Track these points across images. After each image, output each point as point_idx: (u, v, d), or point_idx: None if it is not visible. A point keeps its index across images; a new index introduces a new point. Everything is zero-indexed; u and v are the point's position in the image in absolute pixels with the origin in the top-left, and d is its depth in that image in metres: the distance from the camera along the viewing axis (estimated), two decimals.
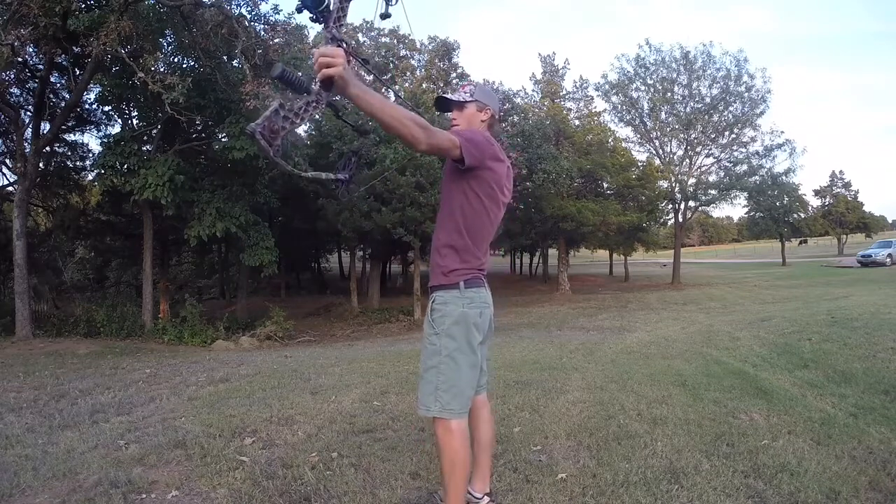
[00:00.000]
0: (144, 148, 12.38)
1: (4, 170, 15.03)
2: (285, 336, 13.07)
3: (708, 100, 22.40)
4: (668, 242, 31.76)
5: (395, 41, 20.90)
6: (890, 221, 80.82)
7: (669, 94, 22.47)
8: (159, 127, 12.48)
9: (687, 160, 23.44)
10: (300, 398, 3.94)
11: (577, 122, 23.49)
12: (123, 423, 3.41)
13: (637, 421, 3.10)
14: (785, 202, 28.61)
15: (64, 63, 12.41)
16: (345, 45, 1.48)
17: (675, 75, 22.55)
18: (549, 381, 4.29)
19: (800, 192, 31.62)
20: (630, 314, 12.62)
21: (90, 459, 2.66)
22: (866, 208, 46.26)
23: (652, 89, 22.89)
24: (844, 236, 45.00)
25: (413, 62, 21.43)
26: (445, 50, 21.05)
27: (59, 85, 13.64)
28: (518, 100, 21.66)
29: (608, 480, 2.27)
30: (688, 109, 22.47)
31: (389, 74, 19.84)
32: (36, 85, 12.60)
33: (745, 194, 24.19)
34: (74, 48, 10.81)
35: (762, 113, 22.26)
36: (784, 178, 23.85)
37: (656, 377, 4.32)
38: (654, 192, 23.06)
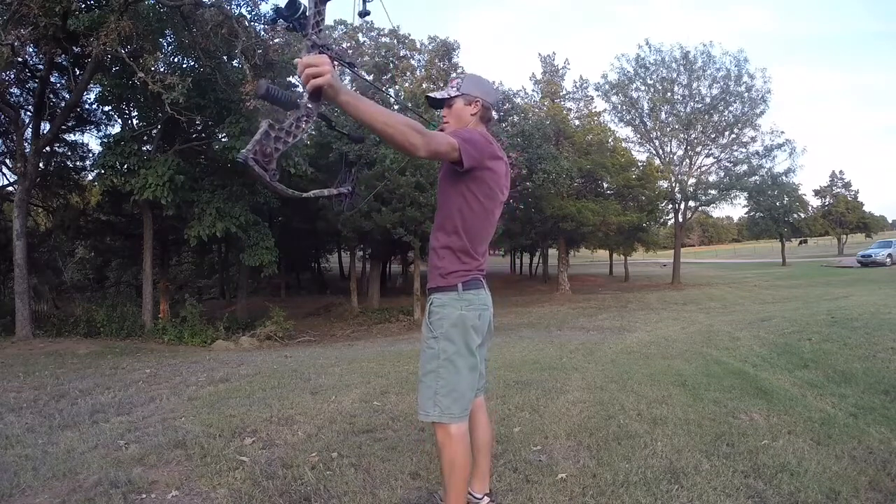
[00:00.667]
0: (144, 148, 12.38)
1: (4, 170, 15.04)
2: (285, 336, 13.07)
3: (708, 100, 22.40)
4: (668, 242, 31.75)
5: (395, 41, 20.91)
6: (890, 221, 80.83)
7: (669, 94, 22.47)
8: (159, 127, 12.48)
9: (687, 160, 23.45)
10: (300, 398, 3.94)
11: (577, 122, 23.49)
12: (123, 423, 3.41)
13: (637, 421, 3.10)
14: (785, 202, 28.62)
15: (64, 63, 12.40)
16: (328, 49, 1.44)
17: (675, 75, 22.56)
18: (549, 381, 4.29)
19: (800, 192, 31.65)
20: (630, 314, 12.62)
21: (90, 459, 2.66)
22: (866, 208, 46.32)
23: (652, 89, 22.89)
24: (844, 236, 45.00)
25: (413, 62, 21.42)
26: (445, 50, 21.04)
27: (59, 85, 13.64)
28: (518, 100, 21.66)
29: (608, 480, 2.27)
30: (688, 109, 22.47)
31: (389, 74, 19.83)
32: (36, 85, 12.59)
33: (745, 194, 24.19)
34: (74, 48, 10.80)
35: (762, 113, 22.31)
36: (784, 178, 23.89)
37: (656, 377, 4.32)
38: (654, 192, 23.06)
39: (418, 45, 21.44)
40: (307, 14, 1.42)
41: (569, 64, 26.13)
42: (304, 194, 1.55)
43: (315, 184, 15.84)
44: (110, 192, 14.99)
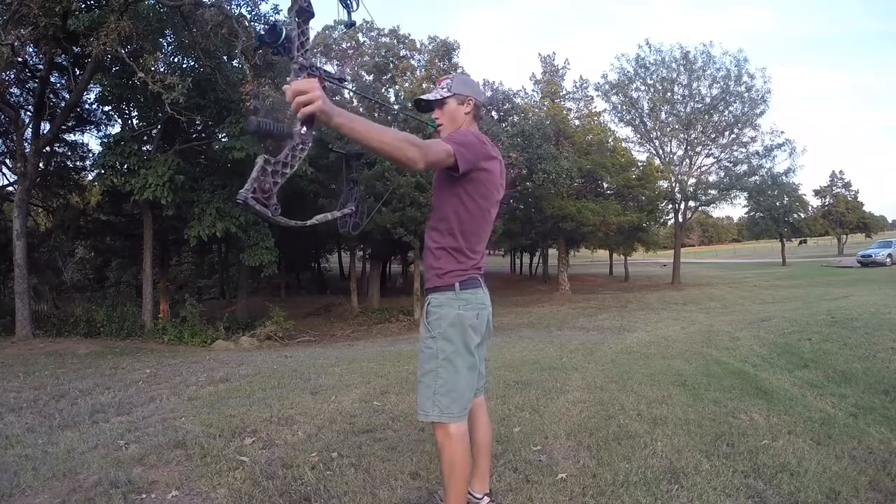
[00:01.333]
0: (144, 148, 12.38)
1: (4, 170, 15.05)
2: (285, 336, 13.07)
3: (708, 100, 22.40)
4: (668, 242, 31.75)
5: (395, 41, 20.90)
6: (890, 221, 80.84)
7: (669, 94, 22.47)
8: (159, 127, 12.48)
9: (687, 160, 23.45)
10: (300, 398, 3.93)
11: (577, 122, 23.46)
12: (123, 423, 3.41)
13: (637, 421, 3.10)
14: (785, 202, 28.62)
15: (64, 63, 12.40)
16: (316, 70, 1.42)
17: (675, 75, 22.56)
18: (549, 381, 4.29)
19: (800, 192, 31.64)
20: (630, 314, 12.62)
21: (90, 459, 2.66)
22: (866, 208, 46.31)
23: (652, 89, 22.89)
24: (844, 236, 44.99)
25: (413, 62, 21.40)
26: (445, 50, 21.02)
27: (59, 85, 13.64)
28: (518, 100, 21.63)
29: (608, 480, 2.27)
30: (688, 109, 22.47)
31: (389, 74, 19.82)
32: (36, 85, 12.60)
33: (745, 194, 24.20)
34: (74, 48, 10.80)
35: (762, 113, 22.30)
36: (784, 178, 23.90)
37: (656, 377, 4.32)
38: (654, 192, 23.06)
39: (418, 45, 21.43)
40: (291, 36, 1.40)
41: (569, 64, 26.09)
42: (308, 222, 1.53)
43: (315, 183, 15.86)
44: (110, 192, 15.00)
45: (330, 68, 20.29)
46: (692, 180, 23.66)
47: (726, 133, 22.94)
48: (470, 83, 1.91)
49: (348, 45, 19.39)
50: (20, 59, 10.89)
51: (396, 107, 15.97)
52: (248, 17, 11.11)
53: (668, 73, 22.59)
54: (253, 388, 4.50)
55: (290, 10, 1.45)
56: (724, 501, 2.07)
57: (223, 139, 12.95)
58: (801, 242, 53.94)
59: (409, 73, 20.86)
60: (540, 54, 30.01)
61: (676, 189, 23.24)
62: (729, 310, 11.81)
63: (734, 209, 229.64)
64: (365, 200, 1.81)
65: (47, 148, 13.12)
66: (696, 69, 22.21)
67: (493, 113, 16.56)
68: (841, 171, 49.00)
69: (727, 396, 3.59)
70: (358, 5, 1.63)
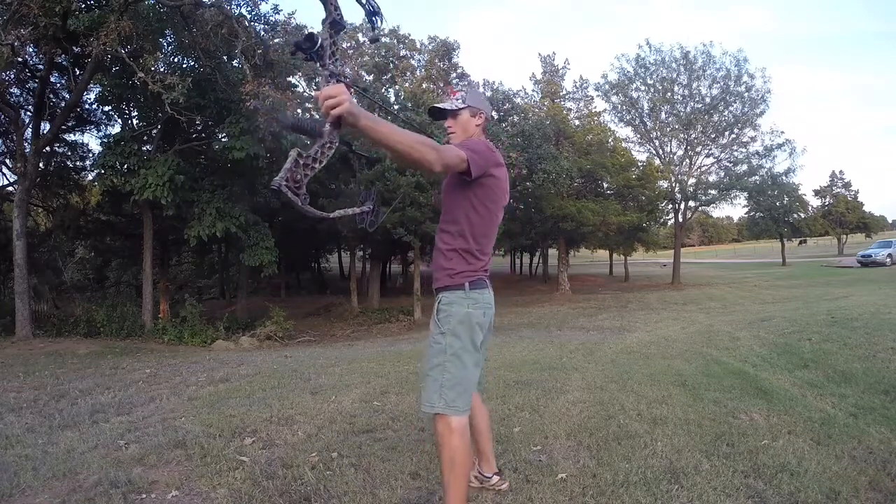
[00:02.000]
0: (144, 148, 12.38)
1: (4, 170, 15.05)
2: (285, 336, 13.07)
3: (708, 100, 22.39)
4: (668, 242, 31.75)
5: (396, 41, 20.90)
6: (890, 221, 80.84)
7: (669, 94, 22.46)
8: (159, 127, 12.48)
9: (687, 160, 23.44)
10: (300, 398, 3.93)
11: (577, 122, 23.46)
12: (123, 423, 3.41)
13: (637, 421, 3.10)
14: (785, 202, 28.60)
15: (64, 63, 12.41)
16: (344, 78, 1.53)
17: (675, 75, 22.54)
18: (549, 381, 4.29)
19: (800, 192, 31.63)
20: (630, 314, 12.62)
21: (90, 459, 2.66)
22: (866, 208, 46.31)
23: (652, 89, 22.88)
24: (844, 236, 44.99)
25: (413, 62, 21.41)
26: (445, 50, 21.04)
27: (59, 85, 13.64)
28: (518, 100, 21.62)
29: (608, 480, 2.27)
30: (688, 109, 22.46)
31: (389, 74, 19.83)
32: (36, 85, 12.60)
33: (745, 194, 24.19)
34: (74, 48, 10.80)
35: (762, 113, 22.29)
36: (784, 178, 23.87)
37: (656, 377, 4.32)
38: (654, 192, 23.05)
39: (418, 45, 21.44)
40: (324, 45, 1.51)
41: (569, 64, 26.11)
42: (331, 215, 1.66)
43: (315, 183, 15.87)
44: (110, 192, 15.00)
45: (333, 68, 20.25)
46: (692, 180, 23.67)
47: (726, 133, 22.93)
48: (481, 98, 2.06)
49: (348, 45, 19.38)
50: (20, 59, 10.90)
51: (396, 107, 15.97)
52: (248, 17, 11.12)
53: (668, 73, 22.58)
54: (253, 388, 4.50)
55: (324, 21, 1.55)
56: (724, 501, 2.07)
57: (223, 139, 12.95)
58: (800, 242, 53.95)
59: (409, 73, 20.87)
60: (540, 54, 30.03)
61: (676, 189, 23.24)
62: (729, 310, 11.81)
63: (734, 209, 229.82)
64: (379, 201, 1.91)
65: (47, 148, 13.12)
66: (696, 69, 22.20)
67: (493, 113, 16.56)
68: (841, 171, 49.06)
69: (727, 396, 3.59)
70: (383, 21, 1.74)
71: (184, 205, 12.15)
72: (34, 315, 11.88)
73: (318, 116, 1.43)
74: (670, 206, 24.37)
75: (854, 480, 2.21)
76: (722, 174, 23.96)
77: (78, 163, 15.98)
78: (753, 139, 22.93)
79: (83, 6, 9.87)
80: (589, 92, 24.73)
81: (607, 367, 4.97)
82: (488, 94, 20.58)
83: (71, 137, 15.35)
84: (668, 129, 23.09)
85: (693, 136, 22.79)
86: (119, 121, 14.22)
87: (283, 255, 17.88)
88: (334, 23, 1.54)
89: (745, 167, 23.19)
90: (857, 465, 2.35)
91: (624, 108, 23.34)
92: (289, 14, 12.66)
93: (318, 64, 1.52)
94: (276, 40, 11.23)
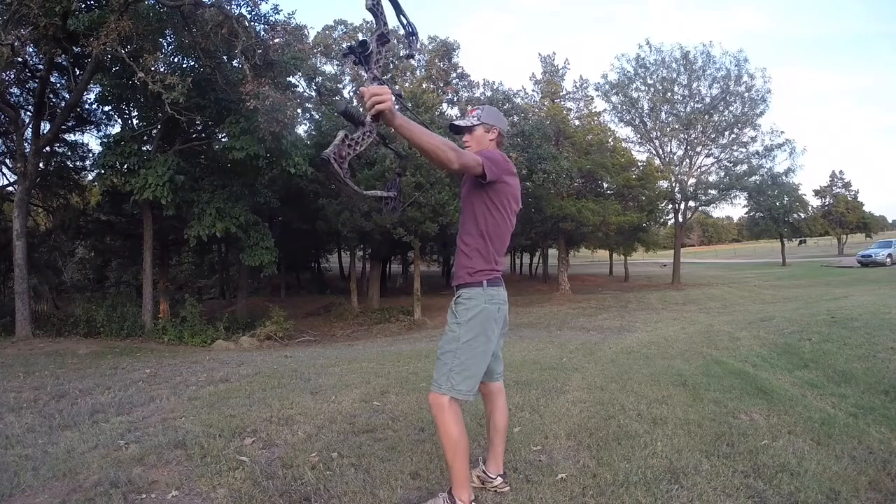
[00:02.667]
0: (144, 148, 12.38)
1: (4, 170, 15.07)
2: (285, 336, 13.08)
3: (708, 100, 22.41)
4: (668, 242, 31.76)
5: (395, 41, 20.90)
6: (890, 221, 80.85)
7: (669, 94, 22.48)
8: (159, 127, 12.48)
9: (687, 160, 23.45)
10: (300, 398, 3.93)
11: (577, 122, 23.46)
12: (123, 423, 3.41)
13: (637, 421, 3.09)
14: (785, 202, 28.61)
15: (64, 63, 12.41)
16: (386, 83, 1.69)
17: (674, 75, 22.56)
18: (550, 381, 4.29)
19: (800, 192, 31.63)
20: (630, 314, 12.62)
21: (90, 459, 2.66)
22: (866, 208, 46.22)
23: (652, 89, 22.89)
24: (844, 236, 44.97)
25: (413, 62, 21.41)
26: (445, 50, 21.05)
27: (59, 85, 13.65)
28: (518, 100, 21.63)
29: (608, 480, 2.27)
30: (688, 109, 22.47)
31: (389, 74, 19.83)
32: (36, 85, 12.60)
33: (745, 194, 24.20)
34: (74, 48, 10.81)
35: (762, 113, 22.33)
36: (784, 178, 23.90)
37: (656, 377, 4.32)
38: (654, 192, 23.04)
39: (418, 46, 21.44)
40: (372, 51, 1.73)
41: (569, 64, 26.13)
42: (366, 193, 1.83)
43: (315, 183, 15.87)
44: (110, 192, 15.01)
45: (330, 68, 20.28)
46: (692, 180, 23.68)
47: (726, 133, 22.94)
48: (496, 115, 2.23)
49: (348, 45, 19.36)
50: (20, 59, 10.89)
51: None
52: (248, 17, 11.11)
53: (668, 73, 22.60)
54: (253, 388, 4.49)
55: (372, 33, 1.80)
56: (724, 501, 2.07)
57: (223, 139, 12.96)
58: (800, 243, 53.84)
59: (409, 73, 20.87)
60: (540, 54, 30.05)
61: (676, 189, 23.24)
62: (729, 310, 11.80)
63: (734, 209, 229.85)
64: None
65: (47, 148, 13.13)
66: (696, 69, 22.22)
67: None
68: (841, 171, 49.00)
69: (727, 396, 3.59)
70: (418, 42, 2.00)
71: (184, 205, 12.15)
72: (34, 315, 11.89)
73: (361, 110, 1.62)
74: (670, 206, 24.38)
75: (854, 480, 2.21)
76: (722, 174, 23.99)
77: (78, 163, 16.00)
78: (753, 139, 23.00)
79: (83, 6, 9.88)
80: (589, 92, 24.78)
81: (607, 367, 4.97)
82: (488, 93, 20.59)
83: (71, 137, 15.37)
84: (668, 129, 23.11)
85: (693, 136, 22.80)
86: (119, 121, 14.23)
87: (283, 255, 17.90)
88: (381, 36, 1.75)
89: (745, 167, 23.22)
90: (857, 465, 2.35)
91: (624, 108, 23.35)
92: (289, 14, 12.62)
93: (363, 67, 1.72)
94: (276, 40, 11.22)
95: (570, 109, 24.40)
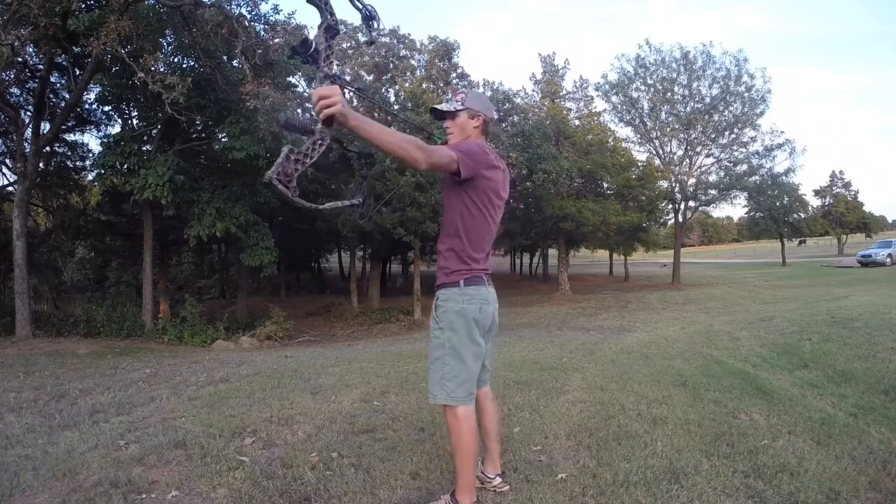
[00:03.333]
0: (144, 148, 12.39)
1: (4, 170, 15.07)
2: (285, 336, 13.07)
3: (708, 100, 22.41)
4: (668, 242, 31.76)
5: (395, 41, 20.90)
6: (890, 221, 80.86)
7: (669, 94, 22.47)
8: (159, 127, 12.48)
9: (687, 160, 23.45)
10: (300, 398, 3.93)
11: (577, 122, 23.44)
12: (123, 423, 3.41)
13: (637, 421, 3.09)
14: (785, 202, 28.61)
15: (64, 63, 12.41)
16: (338, 79, 1.61)
17: (674, 75, 22.56)
18: (550, 381, 4.29)
19: (800, 192, 31.63)
20: (630, 314, 12.62)
21: (90, 459, 2.66)
22: (866, 208, 46.22)
23: (652, 89, 22.89)
24: (844, 236, 44.97)
25: (413, 62, 21.40)
26: (445, 50, 21.02)
27: (59, 85, 13.65)
28: (518, 100, 21.60)
29: (608, 480, 2.27)
30: (688, 109, 22.46)
31: (389, 74, 19.83)
32: (36, 85, 12.60)
33: (745, 194, 24.20)
34: (74, 48, 10.81)
35: (762, 113, 22.33)
36: (784, 177, 23.91)
37: (656, 377, 4.32)
38: (654, 192, 23.04)
39: (418, 45, 21.43)
40: (318, 49, 1.60)
41: (569, 64, 26.09)
42: (321, 207, 1.74)
43: (315, 183, 15.87)
44: (110, 192, 15.01)
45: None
46: (692, 180, 23.68)
47: (726, 133, 22.94)
48: (481, 100, 2.09)
49: (348, 45, 19.38)
50: (20, 59, 10.90)
51: (396, 107, 15.96)
52: (248, 17, 11.12)
53: (668, 73, 22.60)
54: (253, 388, 4.49)
55: (319, 26, 1.66)
56: (724, 501, 2.07)
57: (223, 139, 12.96)
58: (800, 243, 53.79)
59: (409, 73, 20.86)
60: (540, 54, 30.05)
61: (676, 189, 23.24)
62: (729, 310, 11.80)
63: (734, 209, 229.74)
64: (371, 195, 2.00)
65: (47, 148, 13.13)
66: (696, 69, 22.22)
67: (494, 114, 16.58)
68: (841, 171, 48.97)
69: (727, 396, 3.58)
70: (379, 24, 1.84)
71: (184, 205, 12.15)
72: (34, 315, 11.89)
73: (313, 114, 1.51)
74: (670, 206, 24.38)
75: (854, 480, 2.21)
76: (722, 174, 24.00)
77: (78, 163, 16.00)
78: (753, 139, 23.01)
79: (83, 6, 9.88)
80: (589, 92, 24.75)
81: (607, 367, 4.97)
82: (488, 93, 20.57)
83: (71, 137, 15.37)
84: (668, 129, 23.10)
85: (693, 136, 22.80)
86: (119, 121, 14.24)
87: (283, 255, 17.89)
88: (329, 27, 1.62)
89: (745, 167, 23.22)
90: (857, 465, 2.35)
91: (624, 108, 23.35)
92: (289, 14, 12.69)
93: (313, 66, 1.61)
94: (276, 40, 11.22)
95: (570, 109, 24.39)
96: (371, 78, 19.10)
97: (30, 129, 12.22)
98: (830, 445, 2.60)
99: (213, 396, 4.18)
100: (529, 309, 16.03)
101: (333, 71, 1.63)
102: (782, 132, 26.83)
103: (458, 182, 1.84)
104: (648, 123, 23.47)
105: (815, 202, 42.95)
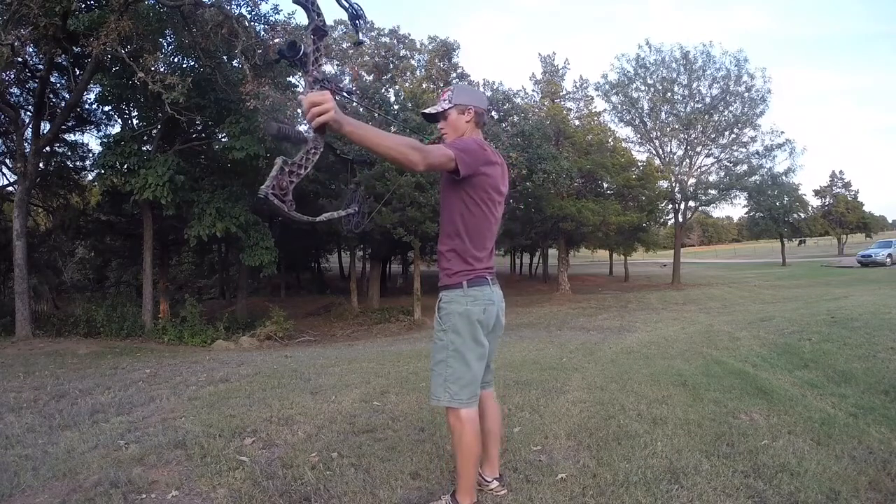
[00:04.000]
0: (144, 148, 12.39)
1: (4, 170, 15.07)
2: (285, 336, 13.07)
3: (708, 100, 22.42)
4: (668, 242, 31.76)
5: (395, 41, 20.91)
6: (890, 221, 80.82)
7: (669, 94, 22.48)
8: (159, 127, 12.49)
9: (687, 160, 23.45)
10: (300, 398, 3.93)
11: (577, 122, 23.46)
12: (123, 423, 3.41)
13: (637, 421, 3.09)
14: (785, 202, 28.62)
15: (64, 63, 12.41)
16: (328, 83, 1.57)
17: (675, 75, 22.57)
18: (550, 381, 4.29)
19: (800, 192, 31.64)
20: (630, 314, 12.62)
21: (90, 459, 2.66)
22: (866, 208, 46.21)
23: (652, 89, 22.90)
24: (844, 236, 44.97)
25: (413, 62, 21.42)
26: (445, 50, 21.04)
27: (59, 85, 13.66)
28: (518, 100, 21.59)
29: (608, 480, 2.27)
30: (688, 109, 22.47)
31: (389, 74, 19.84)
32: (36, 85, 12.61)
33: (745, 194, 24.20)
34: (74, 48, 10.81)
35: (762, 113, 22.35)
36: (784, 177, 23.93)
37: (656, 377, 4.32)
38: (654, 192, 23.04)
39: (418, 45, 21.45)
40: (307, 52, 1.55)
41: (569, 64, 26.15)
42: (316, 220, 1.69)
43: (315, 184, 15.87)
44: (110, 192, 15.01)
45: (329, 68, 20.28)
46: (692, 180, 23.69)
47: (726, 133, 22.95)
48: (470, 92, 2.05)
49: (348, 45, 19.38)
50: (20, 59, 10.90)
51: (396, 107, 15.96)
52: (248, 17, 11.12)
53: (668, 73, 22.61)
54: (253, 388, 4.49)
55: (307, 28, 1.63)
56: (724, 501, 2.07)
57: (223, 139, 12.96)
58: (800, 243, 53.79)
59: (409, 73, 20.87)
60: (540, 54, 30.04)
61: (676, 189, 23.24)
62: (729, 310, 11.80)
63: (734, 209, 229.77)
64: (366, 202, 1.94)
65: (47, 148, 13.13)
66: (696, 69, 22.23)
67: (494, 113, 16.57)
68: (841, 171, 48.95)
69: (727, 396, 3.58)
70: (366, 23, 1.81)
71: (184, 205, 12.15)
72: (34, 315, 11.89)
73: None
74: (670, 206, 24.38)
75: (854, 480, 2.21)
76: (722, 174, 24.01)
77: (78, 163, 16.01)
78: (753, 139, 23.03)
79: (83, 6, 9.88)
80: (589, 92, 24.79)
81: (607, 367, 4.97)
82: (488, 93, 20.58)
83: (71, 137, 15.38)
84: (668, 129, 23.11)
85: (693, 136, 22.80)
86: (119, 121, 14.24)
87: (283, 254, 17.88)
88: (317, 29, 1.58)
89: (745, 167, 23.24)
90: (857, 465, 2.35)
91: (624, 108, 23.37)
92: (289, 14, 12.62)
93: (301, 70, 1.57)
94: (277, 40, 11.21)
95: (570, 109, 24.41)
96: (371, 78, 19.11)
97: (30, 129, 12.22)
98: (830, 445, 2.60)
99: (213, 396, 4.18)
100: (529, 309, 16.03)
101: (323, 74, 1.61)
102: (782, 132, 26.87)
103: (456, 180, 1.80)
104: (648, 123, 23.48)
105: (815, 202, 43.00)
